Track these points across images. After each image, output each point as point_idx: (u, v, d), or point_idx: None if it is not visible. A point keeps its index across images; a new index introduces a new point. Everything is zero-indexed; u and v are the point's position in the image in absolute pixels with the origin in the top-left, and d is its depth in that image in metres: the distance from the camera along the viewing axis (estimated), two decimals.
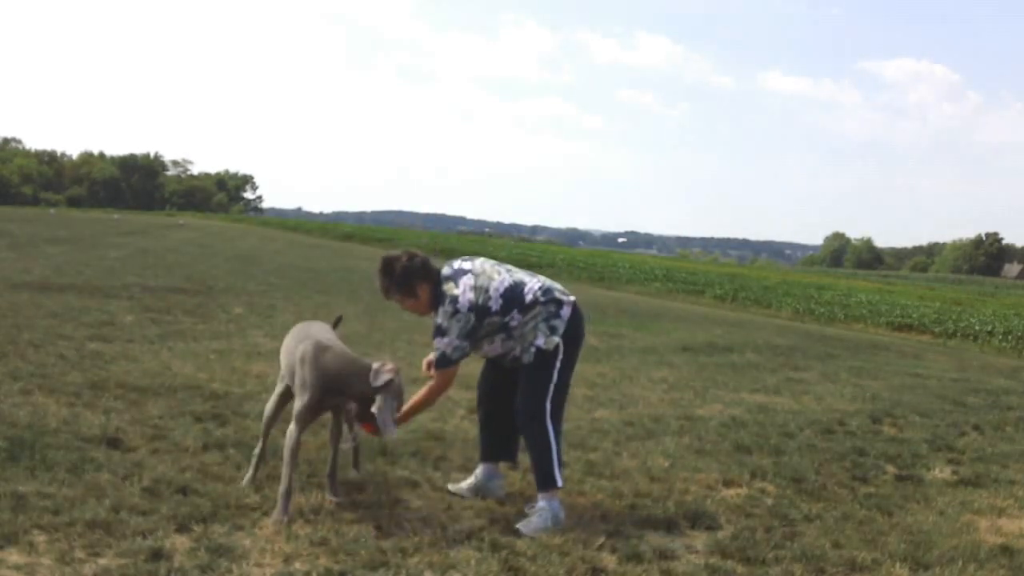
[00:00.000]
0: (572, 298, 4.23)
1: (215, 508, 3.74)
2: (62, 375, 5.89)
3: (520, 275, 4.24)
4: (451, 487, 4.39)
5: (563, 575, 3.48)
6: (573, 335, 4.19)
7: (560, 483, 4.13)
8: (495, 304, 4.09)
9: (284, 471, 3.80)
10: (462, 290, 4.08)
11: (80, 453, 4.26)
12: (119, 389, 5.62)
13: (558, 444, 4.15)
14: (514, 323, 4.11)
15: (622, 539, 3.89)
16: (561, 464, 4.16)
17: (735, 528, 4.21)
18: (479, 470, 4.43)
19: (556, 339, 4.11)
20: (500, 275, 4.17)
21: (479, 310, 4.07)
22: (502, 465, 4.51)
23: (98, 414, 5.00)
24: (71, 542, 3.31)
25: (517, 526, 3.97)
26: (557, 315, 4.14)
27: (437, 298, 4.12)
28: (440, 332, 4.08)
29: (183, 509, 3.69)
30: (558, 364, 4.14)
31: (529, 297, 4.13)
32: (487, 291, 4.10)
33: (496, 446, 4.43)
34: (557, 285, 4.26)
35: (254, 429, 4.98)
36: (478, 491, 4.36)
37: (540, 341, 4.10)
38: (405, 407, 4.06)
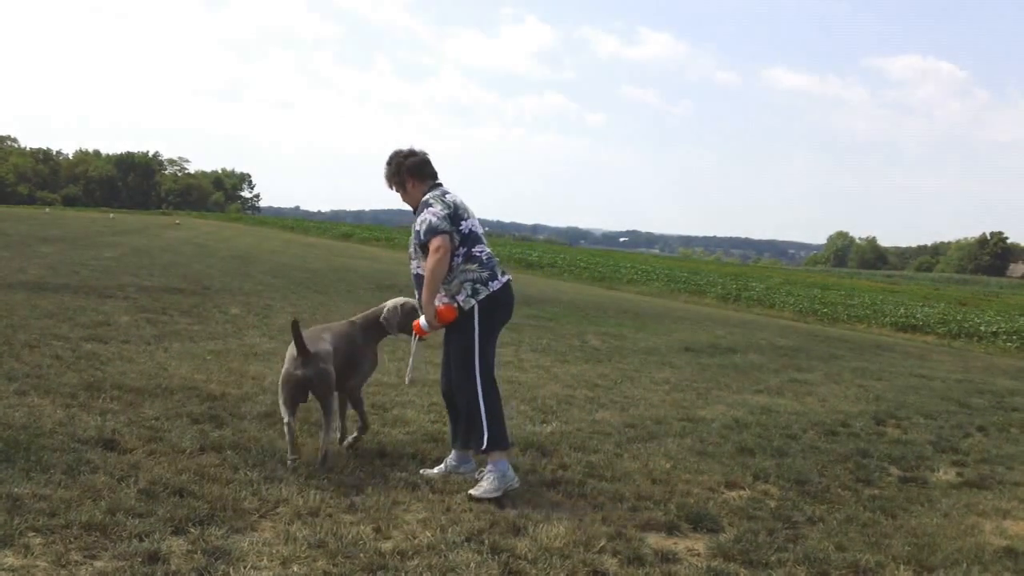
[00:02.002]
0: (507, 277, 4.65)
1: (212, 510, 3.70)
2: (58, 376, 5.84)
3: (483, 238, 4.64)
4: (423, 472, 4.58)
5: None
6: (495, 308, 4.54)
7: (486, 444, 4.40)
8: (465, 227, 4.53)
9: None
10: (452, 191, 4.64)
11: (76, 455, 4.21)
12: (115, 390, 5.58)
13: (488, 406, 4.45)
14: (456, 260, 4.47)
15: (623, 542, 3.86)
16: (495, 425, 4.44)
17: (738, 531, 4.17)
18: (450, 456, 4.70)
19: (473, 302, 4.48)
20: (475, 220, 4.63)
21: (455, 215, 4.50)
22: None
23: (94, 415, 4.96)
24: (67, 544, 3.27)
25: (469, 492, 4.27)
26: (486, 284, 4.52)
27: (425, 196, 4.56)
28: (427, 205, 4.50)
29: (180, 511, 3.64)
30: (477, 333, 4.47)
31: (477, 251, 4.54)
32: (467, 214, 4.57)
33: (464, 433, 4.66)
34: (498, 263, 4.65)
35: (251, 431, 4.95)
36: (449, 474, 4.59)
37: (461, 298, 4.49)
38: (425, 291, 4.41)
